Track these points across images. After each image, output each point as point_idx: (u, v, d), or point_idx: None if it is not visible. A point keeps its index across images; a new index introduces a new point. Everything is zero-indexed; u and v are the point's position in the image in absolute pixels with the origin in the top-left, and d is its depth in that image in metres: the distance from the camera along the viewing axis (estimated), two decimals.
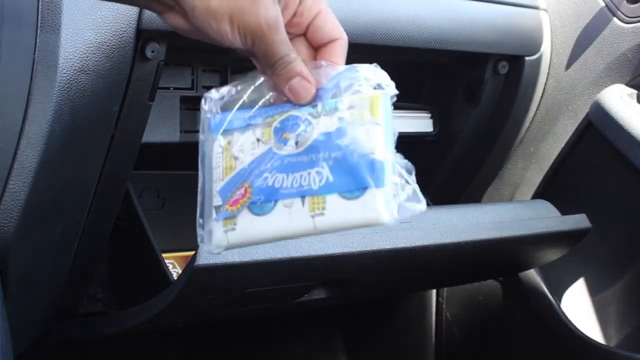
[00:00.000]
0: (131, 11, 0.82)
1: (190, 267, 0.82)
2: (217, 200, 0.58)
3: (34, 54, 0.76)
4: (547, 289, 1.25)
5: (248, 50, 0.60)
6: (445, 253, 1.00)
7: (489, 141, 1.27)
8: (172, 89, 1.01)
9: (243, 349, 1.50)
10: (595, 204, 1.24)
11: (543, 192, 1.29)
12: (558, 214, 1.10)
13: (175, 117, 1.00)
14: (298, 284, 0.99)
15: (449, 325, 1.44)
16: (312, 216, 0.55)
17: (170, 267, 1.15)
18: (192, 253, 0.84)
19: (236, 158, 0.59)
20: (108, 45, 0.81)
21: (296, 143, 0.57)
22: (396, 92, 0.60)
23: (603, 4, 1.20)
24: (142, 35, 0.84)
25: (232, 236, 0.57)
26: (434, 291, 1.46)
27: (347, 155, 0.55)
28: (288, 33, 0.62)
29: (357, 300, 1.44)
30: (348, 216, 0.54)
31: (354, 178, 0.55)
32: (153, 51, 0.86)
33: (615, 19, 1.19)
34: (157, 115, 0.97)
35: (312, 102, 0.59)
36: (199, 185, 0.60)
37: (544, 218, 1.08)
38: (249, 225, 0.57)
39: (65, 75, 0.78)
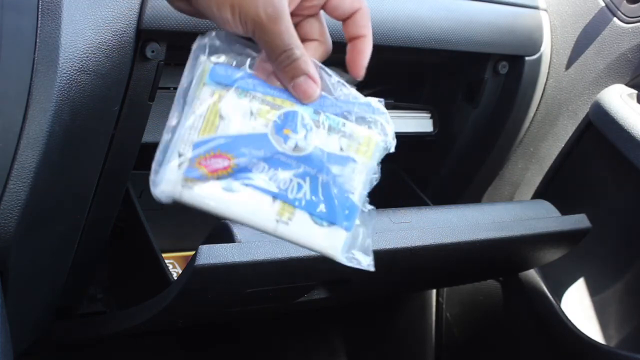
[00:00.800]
0: (131, 11, 0.82)
1: (190, 267, 0.82)
2: (185, 149, 0.56)
3: (34, 53, 0.76)
4: (547, 289, 1.25)
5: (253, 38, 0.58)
6: (445, 253, 1.00)
7: (489, 141, 1.27)
8: (172, 89, 1.01)
9: (243, 349, 1.50)
10: (595, 204, 1.24)
11: (543, 192, 1.29)
12: (558, 214, 1.10)
13: None
14: (298, 284, 0.99)
15: (449, 325, 1.44)
16: (277, 220, 0.56)
17: (170, 267, 1.15)
18: (192, 253, 0.84)
19: (222, 117, 0.57)
20: (108, 45, 0.81)
21: (295, 146, 0.57)
22: (393, 149, 0.61)
23: (603, 4, 1.21)
24: (142, 35, 0.84)
25: (187, 194, 0.56)
26: (434, 291, 1.46)
27: (331, 184, 0.57)
28: (301, 15, 0.60)
29: (357, 300, 1.44)
30: (309, 238, 0.57)
31: (328, 208, 0.57)
32: (153, 51, 0.86)
33: (615, 19, 1.19)
34: (157, 115, 0.97)
35: (316, 106, 0.58)
36: (171, 122, 0.58)
37: (544, 218, 1.08)
38: (208, 193, 0.56)
39: (65, 75, 0.78)
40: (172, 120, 0.58)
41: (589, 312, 1.27)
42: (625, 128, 1.13)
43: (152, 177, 0.57)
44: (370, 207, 0.60)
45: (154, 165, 0.57)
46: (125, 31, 0.82)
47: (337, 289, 1.05)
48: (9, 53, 0.75)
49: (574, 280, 1.29)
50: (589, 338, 1.19)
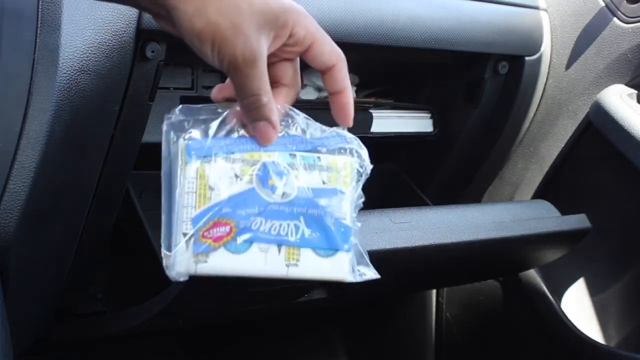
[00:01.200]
0: (131, 11, 0.82)
1: None
2: (187, 227, 0.59)
3: (34, 54, 0.76)
4: (547, 289, 1.25)
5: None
6: (445, 253, 1.00)
7: (489, 141, 1.27)
8: (172, 89, 1.01)
9: (243, 349, 1.50)
10: (595, 204, 1.24)
11: (543, 192, 1.29)
12: (558, 214, 1.10)
13: None
14: (298, 284, 0.98)
15: (449, 325, 1.44)
16: (287, 265, 0.61)
17: None
18: None
19: (212, 188, 0.60)
20: (108, 45, 0.81)
21: (283, 194, 0.60)
22: (369, 171, 0.65)
23: (603, 4, 1.21)
24: (142, 35, 0.84)
25: (202, 267, 0.59)
26: (434, 291, 1.46)
27: (323, 217, 0.61)
28: (278, 57, 0.63)
29: (357, 301, 1.44)
30: (319, 271, 0.62)
31: (327, 238, 0.61)
32: (153, 51, 0.86)
33: (615, 19, 1.19)
34: (157, 115, 0.97)
35: (290, 149, 0.62)
36: (164, 204, 0.61)
37: (544, 218, 1.08)
38: (221, 260, 0.59)
39: (65, 75, 0.78)
40: (165, 204, 0.61)
41: (589, 312, 1.27)
42: (625, 128, 1.13)
43: (164, 262, 0.60)
44: (358, 223, 0.64)
45: (162, 251, 0.60)
46: (125, 31, 0.82)
47: (337, 289, 1.05)
48: (9, 53, 0.75)
49: (574, 280, 1.29)
50: (589, 338, 1.19)
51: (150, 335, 1.34)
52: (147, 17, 0.83)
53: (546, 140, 1.27)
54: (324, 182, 0.62)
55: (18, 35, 0.75)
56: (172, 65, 1.00)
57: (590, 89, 1.22)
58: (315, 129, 0.64)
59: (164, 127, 0.62)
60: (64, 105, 0.79)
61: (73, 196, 0.90)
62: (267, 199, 0.60)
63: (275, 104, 0.62)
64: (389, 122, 1.18)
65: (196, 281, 0.83)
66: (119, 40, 0.82)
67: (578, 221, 1.08)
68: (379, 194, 1.36)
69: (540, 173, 1.29)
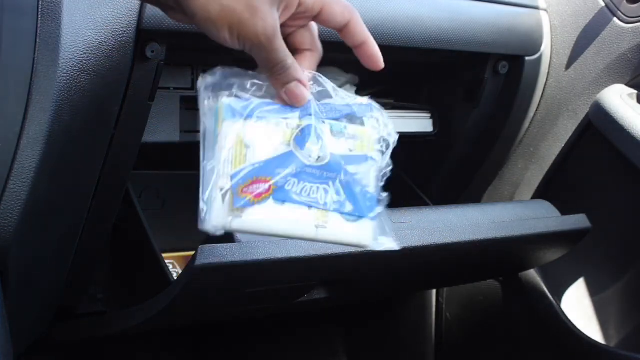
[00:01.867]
0: (131, 11, 0.82)
1: (190, 267, 0.82)
2: (224, 183, 0.61)
3: (34, 54, 0.76)
4: (547, 289, 1.25)
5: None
6: (445, 253, 1.00)
7: (489, 141, 1.27)
8: (172, 89, 1.01)
9: (243, 349, 1.50)
10: (595, 204, 1.24)
11: (543, 192, 1.29)
12: (558, 214, 1.10)
13: (175, 117, 1.00)
14: (298, 284, 0.99)
15: (449, 325, 1.44)
16: (316, 226, 0.63)
17: (170, 267, 1.15)
18: (192, 253, 0.84)
19: (247, 146, 0.62)
20: (108, 45, 0.81)
21: (318, 157, 0.63)
22: (395, 141, 0.67)
23: (603, 4, 1.21)
24: (142, 35, 0.84)
25: (237, 223, 0.61)
26: (434, 291, 1.46)
27: (351, 183, 0.64)
28: (292, 26, 0.65)
29: (357, 300, 1.44)
30: (344, 235, 0.65)
31: (354, 205, 0.64)
32: (153, 51, 0.86)
33: (615, 19, 1.19)
34: (157, 115, 0.97)
35: (320, 116, 0.64)
36: (203, 161, 0.63)
37: (544, 218, 1.08)
38: (255, 218, 0.61)
39: (65, 75, 0.78)
40: (204, 161, 0.63)
41: (589, 312, 1.27)
42: (625, 128, 1.13)
43: (200, 216, 0.62)
44: (384, 194, 0.66)
45: (200, 205, 0.62)
46: (125, 31, 0.82)
47: (337, 289, 1.05)
48: (9, 53, 0.75)
49: (574, 280, 1.29)
50: (589, 338, 1.19)
51: (150, 335, 1.34)
52: (147, 17, 0.83)
53: (546, 140, 1.27)
54: (350, 150, 0.64)
55: (18, 36, 0.75)
56: (172, 65, 1.00)
57: (590, 89, 1.22)
58: (343, 97, 0.66)
59: (201, 86, 0.64)
60: (64, 105, 0.79)
61: (73, 196, 0.90)
62: (305, 162, 0.63)
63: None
64: None
65: (196, 281, 0.83)
66: (119, 40, 0.82)
67: (578, 221, 1.08)
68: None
69: (540, 173, 1.29)
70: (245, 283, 0.91)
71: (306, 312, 1.45)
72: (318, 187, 0.63)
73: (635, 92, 1.19)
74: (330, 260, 0.88)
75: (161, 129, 0.99)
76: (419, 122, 1.24)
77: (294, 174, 0.62)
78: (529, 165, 1.30)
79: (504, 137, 1.27)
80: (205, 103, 0.64)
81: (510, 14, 1.17)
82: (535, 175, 1.30)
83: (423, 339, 1.47)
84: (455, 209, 1.05)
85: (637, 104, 1.17)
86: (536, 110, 1.27)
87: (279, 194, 0.62)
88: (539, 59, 1.22)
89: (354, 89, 1.21)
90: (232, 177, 0.61)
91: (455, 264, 1.10)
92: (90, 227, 0.95)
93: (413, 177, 1.30)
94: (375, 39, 1.06)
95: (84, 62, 0.79)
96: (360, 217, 0.64)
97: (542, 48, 1.21)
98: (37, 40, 0.76)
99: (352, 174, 0.64)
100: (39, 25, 0.76)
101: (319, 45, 0.67)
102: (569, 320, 1.21)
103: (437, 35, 1.07)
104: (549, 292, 1.25)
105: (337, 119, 0.65)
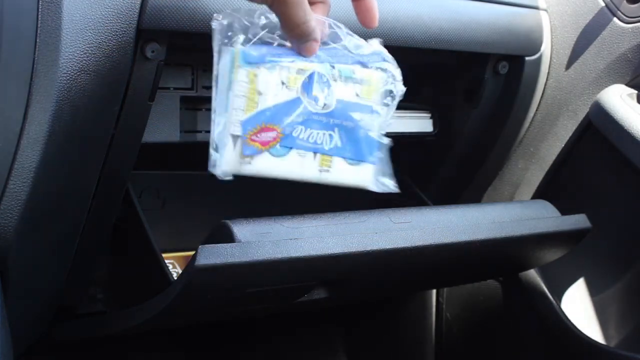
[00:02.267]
0: (131, 11, 0.82)
1: (190, 267, 0.82)
2: (236, 129, 0.64)
3: (34, 53, 0.76)
4: (547, 289, 1.25)
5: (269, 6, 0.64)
6: (445, 253, 1.00)
7: (489, 141, 1.27)
8: (172, 89, 1.01)
9: (243, 349, 1.50)
10: (595, 204, 1.24)
11: (543, 192, 1.29)
12: (558, 214, 1.10)
13: (175, 117, 1.00)
14: (298, 284, 0.99)
15: (449, 325, 1.44)
16: (320, 170, 0.67)
17: (170, 267, 1.15)
18: (192, 253, 0.84)
19: (260, 93, 0.64)
20: (108, 45, 0.81)
21: (324, 105, 0.66)
22: (402, 92, 0.71)
23: (603, 4, 1.20)
24: (142, 35, 0.84)
25: (246, 168, 0.65)
26: (434, 291, 1.46)
27: (355, 129, 0.67)
28: None
29: (357, 300, 1.44)
30: (347, 178, 0.68)
31: (356, 150, 0.68)
32: (153, 51, 0.86)
33: (615, 19, 1.19)
34: (157, 115, 0.97)
35: (330, 60, 0.66)
36: (216, 106, 0.65)
37: (544, 218, 1.08)
38: (264, 163, 0.65)
39: (65, 75, 0.78)
40: (216, 105, 0.65)
41: (589, 312, 1.27)
42: (625, 128, 1.13)
43: (211, 159, 0.65)
44: (386, 139, 0.70)
45: (211, 149, 0.64)
46: (125, 31, 0.82)
47: (337, 289, 1.05)
48: (9, 53, 0.75)
49: (574, 280, 1.29)
50: (589, 338, 1.19)
51: (150, 335, 1.34)
52: (147, 17, 0.83)
53: (546, 140, 1.27)
54: (357, 95, 0.67)
55: (18, 35, 0.75)
56: (172, 65, 1.00)
57: (590, 89, 1.22)
58: (356, 44, 0.69)
59: (216, 27, 0.65)
60: (64, 105, 0.79)
61: (73, 196, 0.90)
62: (310, 109, 0.65)
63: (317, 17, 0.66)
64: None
65: (196, 281, 0.83)
66: (119, 40, 0.82)
67: (578, 221, 1.08)
68: (379, 194, 1.36)
69: (540, 173, 1.29)
70: (245, 283, 0.91)
71: (306, 312, 1.45)
72: (324, 134, 0.66)
73: (635, 92, 1.19)
74: (330, 260, 0.88)
75: (161, 129, 0.99)
76: (419, 122, 1.24)
77: (301, 121, 0.65)
78: (529, 165, 1.30)
79: (504, 137, 1.27)
80: (222, 48, 0.65)
81: (510, 14, 1.17)
82: (535, 175, 1.30)
83: (423, 339, 1.47)
84: (455, 209, 1.05)
85: (637, 104, 1.16)
86: (536, 110, 1.27)
87: (286, 141, 0.64)
88: (539, 59, 1.22)
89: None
90: (242, 124, 0.63)
91: (455, 264, 1.10)
92: (90, 227, 0.95)
93: (413, 177, 1.30)
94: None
95: (84, 62, 0.79)
96: (361, 161, 0.68)
97: (542, 48, 1.21)
98: (37, 40, 0.76)
99: (356, 121, 0.67)
100: (39, 25, 0.76)
101: None
102: (569, 320, 1.21)
103: (437, 35, 1.07)
104: (549, 292, 1.25)
105: (347, 64, 0.67)
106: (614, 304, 1.26)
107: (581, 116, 1.23)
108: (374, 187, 0.70)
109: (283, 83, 0.64)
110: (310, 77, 0.65)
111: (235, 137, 0.63)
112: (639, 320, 1.23)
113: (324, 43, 0.67)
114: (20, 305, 0.90)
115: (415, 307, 1.47)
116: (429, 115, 1.25)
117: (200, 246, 0.80)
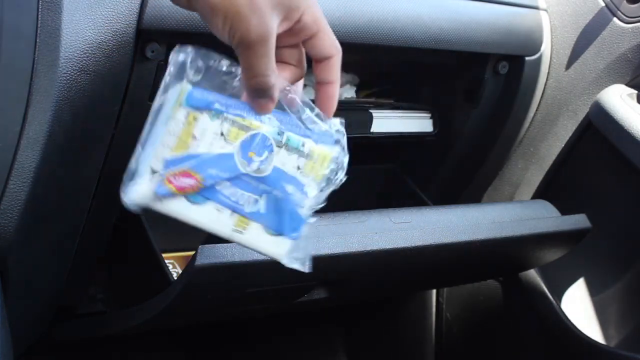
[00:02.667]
0: (131, 11, 0.82)
1: (190, 267, 0.82)
2: (157, 165, 0.61)
3: (34, 53, 0.76)
4: (547, 289, 1.25)
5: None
6: (445, 253, 1.00)
7: (489, 141, 1.27)
8: None
9: (243, 348, 1.50)
10: (595, 204, 1.24)
11: (543, 192, 1.29)
12: (558, 214, 1.10)
13: None
14: (298, 284, 0.99)
15: (449, 325, 1.44)
16: (233, 230, 0.63)
17: (170, 267, 1.15)
18: (192, 253, 0.84)
19: (194, 138, 0.61)
20: (108, 45, 0.81)
21: (257, 168, 0.62)
22: (342, 180, 0.65)
23: (603, 4, 1.20)
24: (142, 35, 0.84)
25: (155, 205, 0.61)
26: (434, 291, 1.46)
27: (283, 201, 0.63)
28: (284, 43, 0.63)
29: (357, 300, 1.44)
30: (260, 245, 0.64)
31: (279, 221, 0.64)
32: (153, 51, 0.86)
33: (615, 19, 1.19)
34: None
35: (281, 126, 0.63)
36: (144, 135, 0.62)
37: (544, 218, 1.08)
38: (177, 205, 0.61)
39: (65, 75, 0.78)
40: (145, 135, 0.62)
41: (589, 312, 1.27)
42: (625, 128, 1.13)
43: (124, 186, 0.61)
44: (313, 219, 0.65)
45: (126, 174, 0.61)
46: (125, 31, 0.82)
47: (337, 289, 1.05)
48: (9, 53, 0.75)
49: (574, 280, 1.29)
50: (589, 338, 1.19)
51: (150, 335, 1.34)
52: (147, 17, 0.83)
53: (546, 140, 1.27)
54: (298, 168, 0.63)
55: (18, 35, 0.75)
56: None
57: (590, 89, 1.22)
58: (312, 120, 0.65)
59: (171, 61, 0.62)
60: (64, 105, 0.79)
61: (73, 196, 0.90)
62: (241, 169, 0.62)
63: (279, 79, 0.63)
64: (389, 122, 1.18)
65: (196, 281, 0.83)
66: (119, 40, 0.82)
67: (578, 221, 1.08)
68: (379, 194, 1.36)
69: (540, 173, 1.29)
70: (245, 283, 0.91)
71: (306, 312, 1.45)
72: (249, 197, 0.62)
73: (635, 92, 1.19)
74: (330, 260, 0.88)
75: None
76: (419, 122, 1.24)
77: (227, 177, 0.61)
78: (529, 165, 1.30)
79: (504, 137, 1.27)
80: (166, 81, 0.62)
81: (510, 14, 1.17)
82: (535, 175, 1.30)
83: (423, 339, 1.47)
84: (455, 209, 1.05)
85: (637, 104, 1.16)
86: (536, 110, 1.27)
87: (206, 192, 0.61)
88: (539, 59, 1.22)
89: (354, 89, 1.21)
90: (165, 162, 0.61)
91: (455, 264, 1.10)
92: (90, 227, 0.95)
93: (413, 177, 1.30)
94: (376, 39, 1.06)
95: (84, 62, 0.79)
96: (281, 234, 0.64)
97: (542, 48, 1.21)
98: (37, 40, 0.76)
99: (288, 193, 0.63)
100: (39, 26, 0.76)
101: (304, 63, 0.66)
102: (569, 320, 1.21)
103: (437, 35, 1.07)
104: (549, 292, 1.25)
105: (298, 134, 0.63)
106: (614, 304, 1.26)
107: (581, 116, 1.23)
108: (286, 261, 0.66)
109: (222, 134, 0.61)
110: (253, 137, 0.62)
111: (154, 172, 0.61)
112: (639, 320, 1.23)
113: (281, 108, 0.64)
114: (20, 305, 0.90)
115: (415, 307, 1.47)
116: (429, 115, 1.25)
117: (200, 246, 0.80)
